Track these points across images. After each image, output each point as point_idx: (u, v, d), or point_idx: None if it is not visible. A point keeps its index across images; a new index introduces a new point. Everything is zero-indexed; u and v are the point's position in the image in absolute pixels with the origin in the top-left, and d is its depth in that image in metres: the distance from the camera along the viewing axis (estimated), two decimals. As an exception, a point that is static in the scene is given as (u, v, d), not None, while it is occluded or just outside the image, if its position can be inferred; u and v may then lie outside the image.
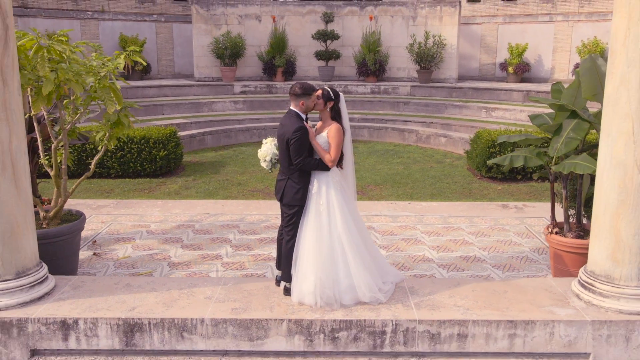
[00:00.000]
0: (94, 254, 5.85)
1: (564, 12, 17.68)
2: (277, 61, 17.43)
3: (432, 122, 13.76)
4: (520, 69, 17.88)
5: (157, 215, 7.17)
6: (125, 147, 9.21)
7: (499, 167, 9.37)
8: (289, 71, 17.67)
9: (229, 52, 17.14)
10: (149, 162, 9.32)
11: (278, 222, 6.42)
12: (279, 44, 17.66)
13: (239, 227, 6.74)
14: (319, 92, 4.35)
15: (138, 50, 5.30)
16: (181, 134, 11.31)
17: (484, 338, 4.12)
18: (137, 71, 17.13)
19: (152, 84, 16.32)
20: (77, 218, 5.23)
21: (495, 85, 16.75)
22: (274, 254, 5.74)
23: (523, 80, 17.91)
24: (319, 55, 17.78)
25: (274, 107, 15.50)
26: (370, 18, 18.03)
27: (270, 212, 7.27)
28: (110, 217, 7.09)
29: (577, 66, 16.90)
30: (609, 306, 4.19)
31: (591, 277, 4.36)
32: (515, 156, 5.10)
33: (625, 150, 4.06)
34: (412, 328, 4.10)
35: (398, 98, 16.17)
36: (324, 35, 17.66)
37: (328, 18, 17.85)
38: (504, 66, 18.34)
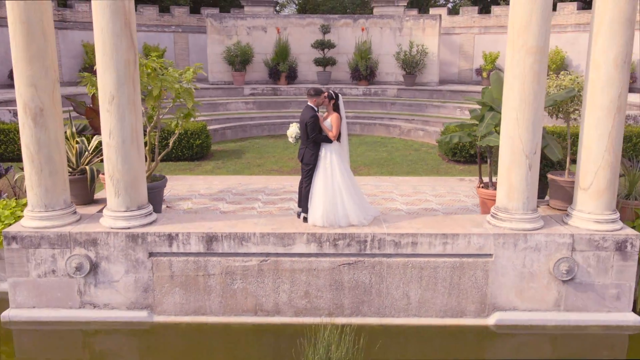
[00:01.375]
0: (167, 206, 8.40)
1: (530, 25, 20.25)
2: (281, 67, 20.01)
3: (413, 119, 16.36)
4: (492, 74, 20.48)
5: (202, 185, 9.71)
6: (168, 137, 11.74)
7: (461, 152, 11.96)
8: (291, 76, 20.25)
9: (239, 59, 19.70)
10: (187, 149, 11.87)
11: (293, 189, 8.98)
12: (282, 52, 20.25)
13: (264, 192, 9.28)
14: (326, 93, 6.91)
15: (200, 66, 7.85)
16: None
17: (427, 244, 6.69)
18: (159, 76, 19.64)
19: (174, 87, 18.83)
20: (162, 178, 7.78)
21: (471, 88, 19.35)
22: (293, 206, 8.31)
23: (495, 84, 20.51)
24: (317, 62, 20.36)
25: (279, 107, 18.05)
26: (362, 29, 20.64)
27: (286, 182, 9.81)
28: (168, 186, 9.60)
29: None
30: (505, 226, 6.77)
31: (496, 210, 6.94)
32: (454, 135, 7.70)
33: (513, 129, 6.63)
34: (383, 238, 6.66)
35: (386, 99, 18.77)
36: (322, 45, 20.25)
37: (325, 29, 20.43)
38: (479, 71, 20.99)
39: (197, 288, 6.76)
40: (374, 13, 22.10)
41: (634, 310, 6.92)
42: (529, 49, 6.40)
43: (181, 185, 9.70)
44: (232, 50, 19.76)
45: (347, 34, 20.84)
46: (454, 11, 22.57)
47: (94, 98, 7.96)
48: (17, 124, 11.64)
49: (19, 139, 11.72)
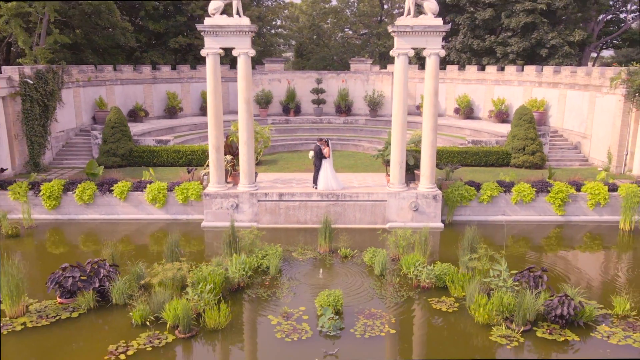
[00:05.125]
0: (254, 185, 19.37)
1: (450, 78, 31.59)
2: (291, 105, 31.02)
3: (372, 141, 27.42)
4: (427, 109, 31.68)
5: (263, 177, 20.56)
6: (257, 155, 22.60)
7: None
8: (297, 111, 31.26)
9: (264, 100, 30.69)
10: (250, 159, 22.80)
11: (309, 178, 19.91)
12: (291, 95, 31.27)
13: (295, 179, 20.18)
14: (324, 140, 17.93)
15: (271, 127, 18.86)
16: (254, 147, 24.71)
17: (362, 196, 17.71)
18: (212, 111, 30.55)
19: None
20: (255, 173, 18.71)
21: (413, 119, 30.37)
22: (309, 184, 19.29)
23: (429, 115, 31.63)
24: (314, 101, 31.40)
25: (291, 132, 28.98)
26: (343, 80, 31.75)
27: (305, 176, 20.70)
28: (249, 177, 20.54)
29: (456, 110, 30.73)
30: (392, 190, 17.83)
31: (389, 184, 18.02)
32: (375, 155, 18.77)
33: (395, 152, 17.70)
34: (345, 194, 17.67)
35: (357, 126, 29.81)
36: (316, 90, 31.30)
37: (319, 80, 31.49)
38: (418, 107, 32.12)
39: (275, 213, 17.71)
40: (350, 68, 33.21)
41: (443, 222, 18.03)
42: (399, 124, 17.50)
43: (254, 177, 20.66)
44: (259, 94, 30.71)
45: (333, 83, 31.90)
46: (403, 66, 33.69)
47: (227, 138, 18.88)
48: (158, 146, 22.73)
49: (162, 155, 22.69)
